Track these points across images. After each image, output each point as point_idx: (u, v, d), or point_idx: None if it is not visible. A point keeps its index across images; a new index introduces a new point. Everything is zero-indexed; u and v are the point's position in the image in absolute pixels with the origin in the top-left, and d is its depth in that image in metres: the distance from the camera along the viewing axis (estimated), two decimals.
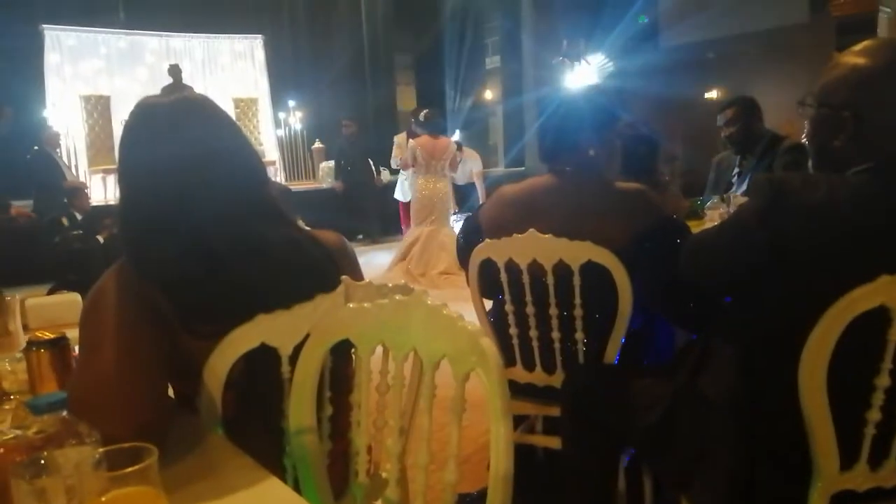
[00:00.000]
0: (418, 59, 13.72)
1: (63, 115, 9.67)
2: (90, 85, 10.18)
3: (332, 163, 9.82)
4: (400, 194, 7.17)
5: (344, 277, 1.10)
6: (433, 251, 6.16)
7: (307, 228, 1.16)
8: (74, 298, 5.87)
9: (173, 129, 1.01)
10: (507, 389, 0.80)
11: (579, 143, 1.77)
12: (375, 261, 6.75)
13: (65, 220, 6.50)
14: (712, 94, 12.64)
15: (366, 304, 0.97)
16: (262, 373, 1.05)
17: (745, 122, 3.33)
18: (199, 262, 0.99)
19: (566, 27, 11.23)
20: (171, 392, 1.10)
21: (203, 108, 1.06)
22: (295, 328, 1.03)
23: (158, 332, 0.95)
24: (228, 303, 1.00)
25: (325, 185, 9.87)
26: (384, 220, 8.54)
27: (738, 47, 12.02)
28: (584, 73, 10.16)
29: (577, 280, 1.65)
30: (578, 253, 1.62)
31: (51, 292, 5.95)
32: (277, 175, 10.75)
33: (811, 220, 1.11)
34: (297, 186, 9.86)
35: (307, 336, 1.03)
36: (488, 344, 0.80)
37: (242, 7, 10.90)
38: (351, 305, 0.99)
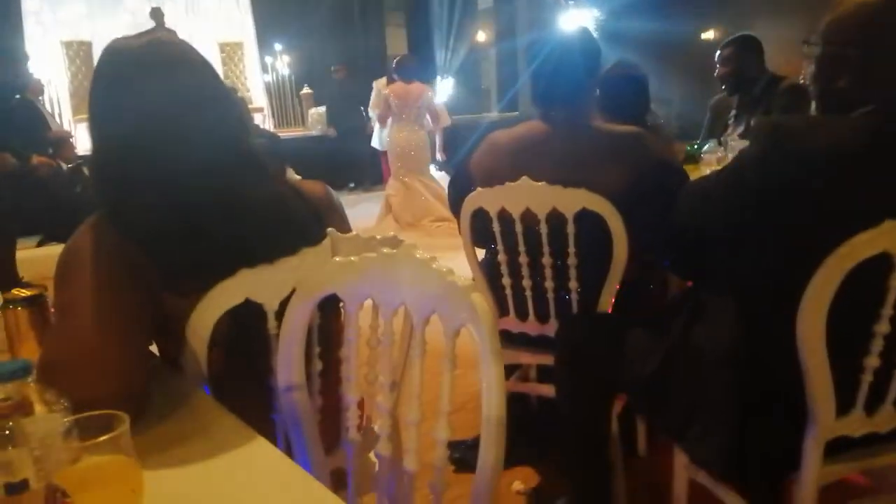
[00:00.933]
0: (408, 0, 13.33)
1: (44, 62, 9.40)
2: (71, 30, 9.87)
3: (321, 109, 9.63)
4: (377, 142, 7.00)
5: (330, 230, 1.06)
6: (417, 201, 6.06)
7: (293, 178, 1.11)
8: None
9: (145, 75, 0.95)
10: (498, 341, 0.77)
11: (572, 88, 1.71)
12: (368, 211, 6.68)
13: (86, 170, 6.41)
14: (709, 34, 12.39)
15: (352, 258, 0.93)
16: (248, 329, 1.02)
17: (740, 63, 3.23)
18: (178, 216, 0.95)
19: None
20: (154, 350, 1.07)
21: (177, 52, 1.00)
22: (280, 283, 1.00)
23: (138, 290, 0.92)
24: (210, 257, 0.96)
25: (314, 132, 9.71)
26: (376, 167, 8.42)
27: None
28: (579, 14, 9.90)
29: (570, 228, 1.61)
30: (573, 201, 1.58)
31: (40, 244, 5.92)
32: (265, 122, 10.56)
33: (814, 164, 1.07)
34: (286, 133, 9.70)
35: (293, 291, 0.99)
36: (479, 299, 0.77)
37: None
38: (337, 259, 0.96)
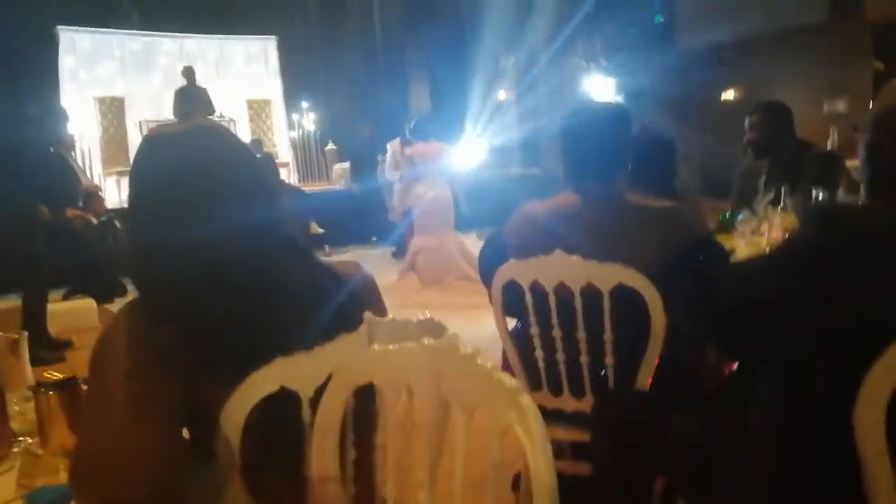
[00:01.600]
0: (431, 58, 13.64)
1: (78, 118, 9.70)
2: (104, 87, 10.21)
3: (345, 164, 9.78)
4: (397, 201, 6.96)
5: (366, 314, 1.03)
6: (442, 259, 6.03)
7: (326, 261, 1.09)
8: (89, 304, 5.83)
9: (185, 161, 0.95)
10: (549, 450, 0.73)
11: (604, 164, 1.70)
12: (391, 266, 6.68)
13: (117, 223, 6.52)
14: (728, 95, 12.49)
15: (391, 347, 0.90)
16: (282, 417, 0.99)
17: (768, 129, 3.23)
18: (216, 303, 0.93)
19: (582, 26, 11.12)
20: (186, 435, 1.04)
21: (216, 136, 1.00)
22: (316, 370, 0.97)
23: (172, 379, 0.90)
24: (247, 345, 0.94)
25: (338, 187, 9.83)
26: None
27: (754, 48, 11.87)
28: (599, 76, 10.05)
29: (606, 303, 1.57)
30: (608, 275, 1.55)
31: (67, 296, 5.97)
32: (290, 176, 10.74)
33: (873, 251, 1.03)
34: (311, 188, 9.83)
35: (328, 378, 0.97)
36: (528, 402, 0.74)
37: (255, 8, 10.89)
38: (375, 347, 0.93)
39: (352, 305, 1.05)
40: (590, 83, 9.83)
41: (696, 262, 1.51)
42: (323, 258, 1.08)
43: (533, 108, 13.44)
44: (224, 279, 0.94)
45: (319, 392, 0.97)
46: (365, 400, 1.01)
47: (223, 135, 1.01)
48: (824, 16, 10.99)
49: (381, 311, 1.14)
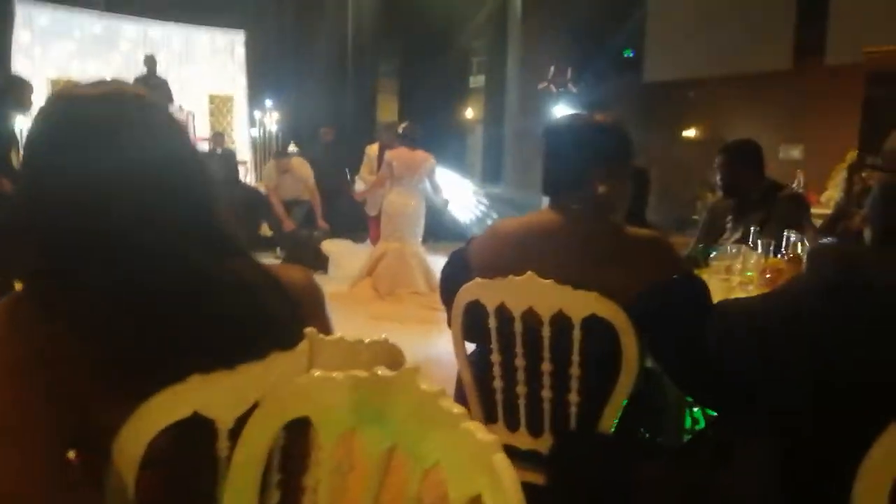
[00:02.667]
0: (401, 70, 13.53)
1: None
2: (59, 68, 9.76)
3: None
4: (370, 208, 6.87)
5: (309, 331, 0.87)
6: (401, 269, 5.91)
7: (269, 263, 0.92)
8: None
9: (101, 130, 0.77)
10: None
11: (588, 176, 1.55)
12: (341, 274, 6.48)
13: None
14: (690, 133, 12.71)
15: (336, 375, 0.74)
16: (192, 449, 0.81)
17: (733, 169, 3.19)
18: (120, 300, 0.75)
19: (553, 54, 11.18)
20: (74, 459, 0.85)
21: (142, 106, 0.82)
22: (239, 395, 0.80)
23: (58, 391, 0.71)
24: (155, 356, 0.76)
25: None
26: (354, 229, 8.26)
27: (719, 89, 12.12)
28: (565, 104, 10.09)
29: (577, 334, 1.44)
30: (582, 305, 1.41)
31: None
32: (248, 176, 10.44)
33: (892, 299, 0.91)
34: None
35: (254, 406, 0.79)
36: (504, 464, 0.59)
37: (227, 0, 10.59)
38: (316, 373, 0.76)
39: (291, 318, 0.88)
40: (557, 109, 9.83)
41: (677, 299, 1.37)
42: (265, 260, 0.91)
43: (498, 128, 13.45)
44: (134, 273, 0.76)
45: (241, 421, 0.80)
46: (296, 433, 0.84)
47: (149, 103, 0.84)
48: (789, 63, 11.30)
49: (325, 326, 0.98)
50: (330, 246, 7.53)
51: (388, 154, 5.95)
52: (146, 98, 0.86)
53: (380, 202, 6.21)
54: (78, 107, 0.81)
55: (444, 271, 1.74)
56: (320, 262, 6.81)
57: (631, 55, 13.56)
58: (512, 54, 12.79)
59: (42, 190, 0.77)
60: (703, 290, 1.38)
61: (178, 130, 0.86)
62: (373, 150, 6.85)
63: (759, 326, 1.06)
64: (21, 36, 9.41)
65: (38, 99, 9.02)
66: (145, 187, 0.78)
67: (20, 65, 9.35)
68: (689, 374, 1.33)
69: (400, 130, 6.06)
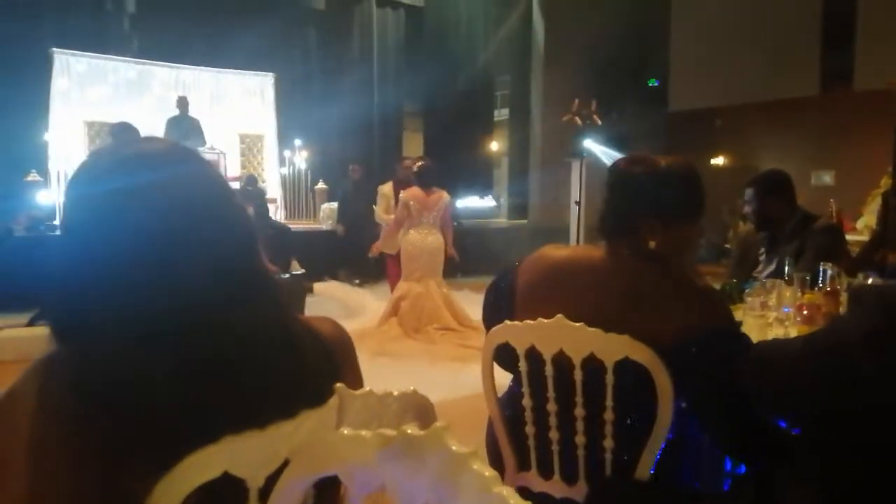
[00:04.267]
0: (426, 106, 13.72)
1: (65, 140, 9.53)
2: (96, 111, 10.07)
3: (333, 204, 9.68)
4: (390, 247, 6.85)
5: (339, 387, 0.86)
6: (425, 307, 5.88)
7: (301, 316, 0.91)
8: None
9: (137, 185, 0.78)
10: None
11: (640, 226, 1.50)
12: (370, 308, 6.49)
13: None
14: (718, 161, 12.62)
15: (364, 434, 0.73)
16: None
17: (762, 202, 3.14)
18: (155, 364, 0.75)
19: (577, 86, 11.24)
20: None
21: (177, 159, 0.83)
22: (269, 454, 0.79)
23: (87, 460, 0.71)
24: (188, 421, 0.75)
25: (324, 227, 9.72)
26: (382, 267, 8.28)
27: (746, 116, 12.05)
28: (593, 135, 10.09)
29: (609, 379, 1.41)
30: (614, 348, 1.39)
31: (31, 323, 5.70)
32: (277, 213, 10.58)
33: None
34: (297, 226, 9.69)
35: (284, 464, 0.79)
36: None
37: (255, 44, 10.85)
38: (345, 431, 0.75)
39: (323, 373, 0.87)
40: (582, 141, 9.84)
41: (716, 350, 1.32)
42: (297, 315, 0.90)
43: (523, 161, 13.49)
44: (166, 327, 0.76)
45: (272, 480, 0.79)
46: (326, 491, 0.83)
47: (189, 153, 0.85)
48: (815, 90, 11.21)
49: (356, 377, 0.97)
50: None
51: (403, 195, 5.93)
52: (181, 152, 0.87)
53: (398, 241, 6.18)
54: (112, 158, 0.82)
55: (487, 296, 1.70)
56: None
57: (656, 84, 13.59)
58: (535, 87, 12.91)
59: (82, 247, 0.78)
60: (743, 344, 1.33)
61: (221, 180, 0.86)
62: (387, 188, 6.84)
63: (798, 373, 1.02)
64: (59, 83, 9.75)
65: (76, 141, 9.34)
66: (181, 244, 0.78)
67: (58, 109, 9.69)
68: (724, 426, 1.29)
69: (415, 169, 6.06)
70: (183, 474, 0.76)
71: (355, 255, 8.57)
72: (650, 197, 1.49)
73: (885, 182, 7.27)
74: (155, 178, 0.78)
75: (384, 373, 4.66)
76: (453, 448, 0.65)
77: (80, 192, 0.80)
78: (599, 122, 9.86)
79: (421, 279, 5.90)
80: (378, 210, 6.88)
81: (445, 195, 5.97)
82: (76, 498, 0.71)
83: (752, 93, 11.48)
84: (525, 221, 12.70)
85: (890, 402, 0.90)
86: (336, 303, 7.50)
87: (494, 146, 14.97)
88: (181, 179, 0.81)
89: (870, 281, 2.10)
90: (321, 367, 0.86)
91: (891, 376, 0.89)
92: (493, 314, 1.64)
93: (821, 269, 2.27)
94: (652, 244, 1.47)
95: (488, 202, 13.40)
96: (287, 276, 6.52)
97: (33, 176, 7.87)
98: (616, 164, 1.56)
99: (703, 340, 1.33)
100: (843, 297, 2.04)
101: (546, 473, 1.54)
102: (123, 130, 5.30)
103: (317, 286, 7.00)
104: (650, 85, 13.66)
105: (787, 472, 1.11)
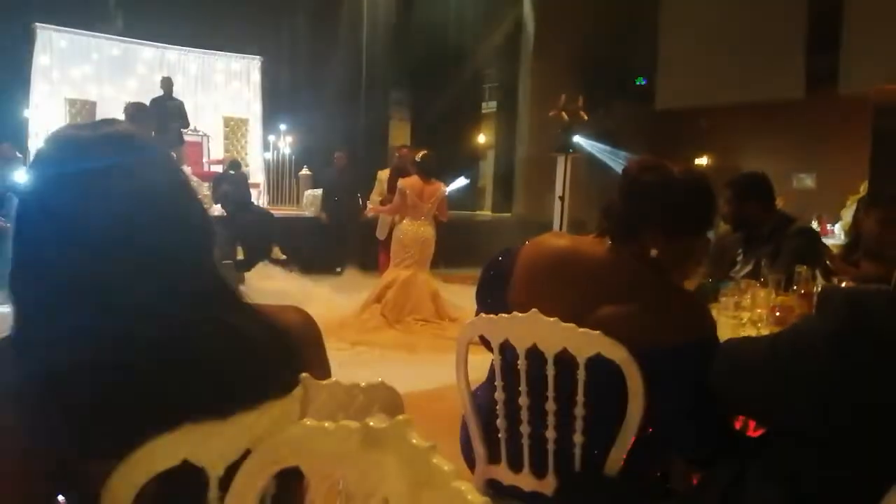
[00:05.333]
0: (414, 95, 13.67)
1: (45, 117, 9.38)
2: (77, 89, 9.93)
3: (317, 191, 9.62)
4: (380, 231, 6.86)
5: (304, 376, 0.85)
6: (410, 297, 5.88)
7: (264, 305, 0.90)
8: None
9: (96, 171, 0.77)
10: None
11: (642, 233, 1.48)
12: (350, 299, 6.46)
13: None
14: (702, 161, 12.72)
15: (327, 425, 0.72)
16: (182, 498, 0.80)
17: (739, 204, 3.16)
18: (107, 353, 0.74)
19: (565, 81, 11.25)
20: None
21: (138, 148, 0.82)
22: (230, 443, 0.78)
23: (40, 446, 0.70)
24: (144, 410, 0.74)
25: (307, 213, 9.67)
26: (365, 255, 8.26)
27: (731, 117, 12.14)
28: (580, 129, 10.11)
29: (581, 374, 1.41)
30: (587, 344, 1.39)
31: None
32: (261, 198, 10.50)
33: None
34: (280, 212, 9.64)
35: (245, 454, 0.78)
36: None
37: (242, 27, 10.76)
38: (307, 422, 0.75)
39: (287, 363, 0.86)
40: (567, 137, 9.85)
41: (691, 360, 1.32)
42: (256, 303, 0.89)
43: (510, 154, 13.50)
44: (121, 323, 0.75)
45: (232, 470, 0.78)
46: (288, 483, 0.83)
47: (147, 145, 0.83)
48: (800, 92, 11.30)
49: (323, 366, 0.96)
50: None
51: (401, 183, 5.94)
52: (146, 138, 0.86)
53: (388, 226, 6.19)
54: (77, 145, 0.80)
55: (484, 274, 1.69)
56: None
57: (643, 83, 13.63)
58: (524, 81, 12.90)
59: (35, 236, 0.76)
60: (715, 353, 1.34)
61: (176, 171, 0.85)
62: (384, 174, 6.87)
63: (763, 374, 1.03)
64: (41, 59, 9.59)
65: (57, 118, 9.19)
66: (141, 229, 0.77)
67: (39, 86, 9.53)
68: (689, 427, 1.30)
69: (417, 159, 6.05)
70: (142, 460, 0.75)
71: (339, 243, 8.55)
72: (656, 207, 1.46)
73: (864, 188, 7.37)
74: (107, 166, 0.77)
75: (361, 362, 4.66)
76: (415, 441, 0.65)
77: (38, 172, 0.79)
78: (586, 118, 9.87)
79: (410, 268, 5.89)
80: (373, 195, 6.90)
81: (443, 187, 5.98)
82: (32, 477, 0.70)
83: (737, 94, 11.54)
84: (509, 215, 12.72)
85: (854, 401, 0.91)
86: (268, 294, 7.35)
87: (482, 138, 14.96)
88: (133, 168, 0.79)
89: (843, 285, 2.13)
90: (284, 357, 0.85)
91: (854, 376, 0.90)
92: (487, 293, 1.64)
93: (796, 271, 2.30)
94: (654, 252, 1.45)
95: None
96: (228, 262, 6.43)
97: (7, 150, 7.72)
98: (628, 168, 1.53)
99: (683, 349, 1.33)
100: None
101: (516, 467, 1.55)
102: (138, 111, 5.28)
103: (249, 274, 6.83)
104: (637, 83, 13.69)
105: (755, 471, 1.12)
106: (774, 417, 1.05)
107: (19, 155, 8.06)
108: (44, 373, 0.72)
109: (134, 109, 5.24)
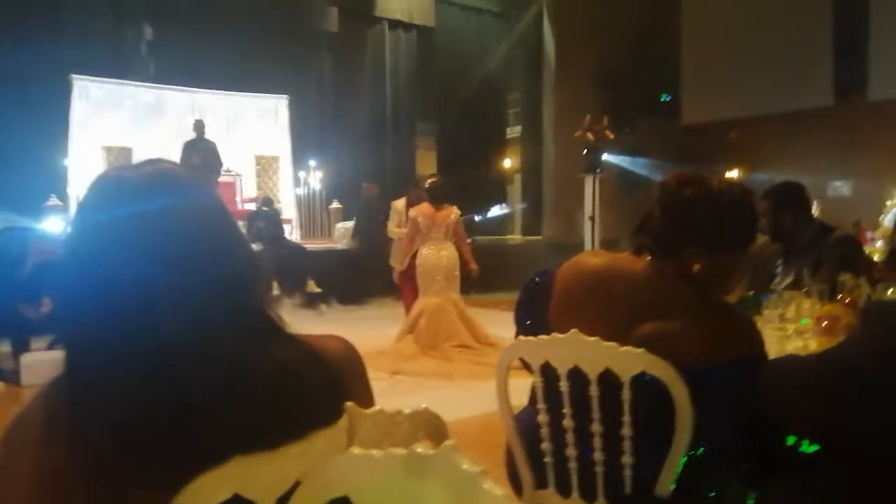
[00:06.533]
0: (439, 124, 13.80)
1: (84, 164, 9.67)
2: (113, 136, 10.23)
3: (348, 224, 9.74)
4: (397, 261, 6.82)
5: (349, 405, 0.85)
6: (442, 323, 5.84)
7: (307, 337, 0.91)
8: None
9: (140, 211, 0.78)
10: None
11: (683, 250, 1.45)
12: (385, 329, 6.46)
13: None
14: (733, 174, 12.56)
15: (374, 453, 0.72)
16: None
17: (776, 215, 3.10)
18: (157, 391, 0.74)
19: (589, 102, 11.25)
20: None
21: (182, 186, 0.84)
22: (279, 475, 0.78)
23: (94, 485, 0.71)
24: (196, 444, 0.75)
25: (339, 246, 9.76)
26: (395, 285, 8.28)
27: (760, 128, 12.00)
28: (607, 148, 10.08)
29: (626, 394, 1.39)
30: (630, 363, 1.37)
31: (50, 347, 5.75)
32: (293, 233, 10.64)
33: None
34: (312, 245, 9.75)
35: (295, 485, 0.78)
36: None
37: (269, 68, 11.02)
38: (355, 451, 0.75)
39: (332, 394, 0.86)
40: (594, 157, 9.82)
41: (743, 379, 1.29)
42: (297, 333, 0.89)
43: (537, 178, 13.51)
44: (171, 361, 0.75)
45: (283, 502, 0.78)
46: None
47: (190, 183, 0.85)
48: (829, 100, 11.13)
49: (366, 395, 0.96)
50: None
51: (411, 211, 5.95)
52: (189, 176, 0.87)
53: (405, 257, 6.16)
54: (123, 185, 0.82)
55: (522, 295, 1.67)
56: None
57: (668, 99, 13.58)
58: (547, 104, 12.95)
59: (85, 275, 0.78)
60: (763, 368, 1.30)
61: (221, 208, 0.87)
62: (399, 203, 6.88)
63: (810, 392, 1.00)
64: (78, 109, 9.92)
65: (95, 166, 9.47)
66: (188, 267, 0.78)
67: (77, 135, 9.85)
68: (737, 447, 1.26)
69: (426, 185, 6.08)
70: (193, 496, 0.75)
71: (367, 273, 8.58)
72: (698, 222, 1.43)
73: None
74: (159, 205, 0.79)
75: (400, 391, 4.65)
76: (464, 467, 0.64)
77: (85, 215, 0.81)
78: (612, 138, 9.85)
79: (438, 293, 5.88)
80: (390, 225, 6.94)
81: (455, 210, 5.97)
82: None
83: (765, 104, 11.43)
84: (539, 237, 12.68)
85: (890, 420, 0.87)
86: None
87: (507, 163, 15.00)
88: (178, 205, 0.81)
89: (889, 292, 2.06)
90: (328, 387, 0.85)
91: (893, 395, 0.87)
92: (526, 314, 1.63)
93: (840, 279, 2.24)
94: (696, 268, 1.43)
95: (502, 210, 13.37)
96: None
97: (53, 201, 7.98)
98: (667, 182, 1.49)
99: (731, 366, 1.30)
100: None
101: (564, 491, 1.52)
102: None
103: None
104: (662, 100, 13.65)
105: (811, 491, 1.08)
106: (826, 436, 1.01)
107: (60, 203, 8.32)
108: (96, 410, 0.73)
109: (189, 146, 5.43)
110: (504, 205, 12.16)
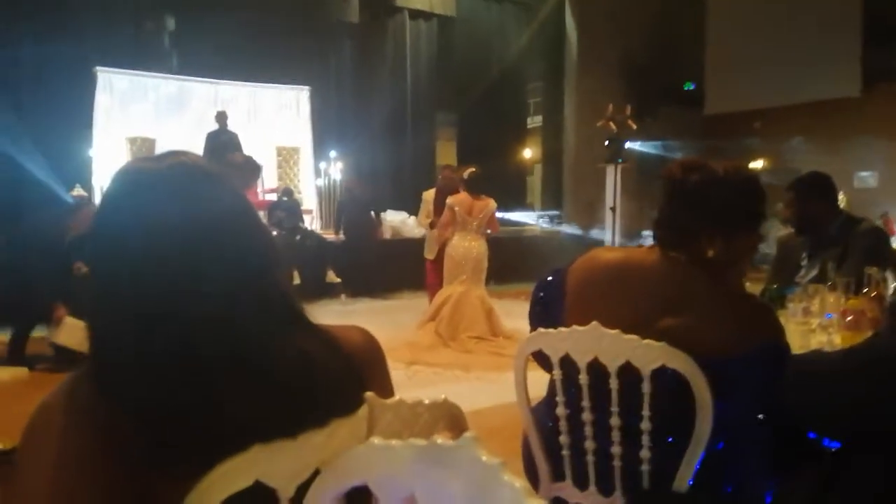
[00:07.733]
0: (459, 115, 13.76)
1: (108, 155, 9.80)
2: (137, 127, 10.34)
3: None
4: (428, 251, 6.86)
5: (369, 395, 0.86)
6: (464, 314, 5.88)
7: (328, 327, 0.91)
8: None
9: (163, 201, 0.79)
10: None
11: (696, 237, 1.44)
12: (403, 319, 6.48)
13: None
14: (757, 164, 12.38)
15: (394, 444, 0.72)
16: None
17: (802, 206, 3.05)
18: (178, 379, 0.76)
19: (611, 91, 11.15)
20: None
21: (203, 176, 0.85)
22: (300, 463, 0.79)
23: (116, 473, 0.72)
24: (218, 431, 0.76)
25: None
26: (418, 275, 8.31)
27: (785, 118, 11.81)
28: (629, 138, 9.99)
29: (646, 387, 1.38)
30: (650, 355, 1.36)
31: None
32: (314, 223, 10.69)
33: None
34: (333, 236, 9.77)
35: (315, 474, 0.79)
36: None
37: (290, 59, 11.06)
38: (375, 440, 0.75)
39: (352, 383, 0.87)
40: (617, 146, 9.74)
41: (766, 367, 1.28)
42: (320, 324, 0.90)
43: (557, 168, 13.42)
44: (194, 348, 0.77)
45: (303, 490, 0.79)
46: (357, 501, 0.83)
47: (212, 174, 0.86)
48: (856, 90, 10.93)
49: (386, 385, 0.97)
50: None
51: (449, 199, 5.98)
52: (210, 167, 0.88)
53: (436, 246, 6.21)
54: (145, 177, 0.84)
55: (535, 293, 1.67)
56: None
57: (692, 88, 13.40)
58: (569, 93, 12.84)
59: (111, 267, 0.79)
60: (788, 359, 1.28)
61: (241, 198, 0.87)
62: (429, 195, 6.91)
63: (839, 389, 0.99)
64: (102, 100, 10.04)
65: (119, 157, 9.59)
66: (210, 256, 0.79)
67: (102, 127, 9.98)
68: (761, 439, 1.25)
69: (465, 176, 6.09)
70: (216, 482, 0.76)
71: (392, 264, 8.61)
72: (711, 208, 1.43)
73: None
74: (173, 195, 0.80)
75: (418, 382, 4.67)
76: (484, 458, 0.64)
77: (108, 206, 0.82)
78: (634, 127, 9.75)
79: (464, 283, 5.91)
80: (420, 216, 6.98)
81: (492, 202, 5.99)
82: None
83: (791, 94, 11.25)
84: (560, 229, 12.63)
85: None
86: None
87: (528, 153, 14.93)
88: (200, 196, 0.82)
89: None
90: (348, 376, 0.86)
91: None
92: (541, 311, 1.63)
93: (866, 272, 2.20)
94: (710, 253, 1.42)
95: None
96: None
97: (78, 191, 8.10)
98: (670, 171, 1.49)
99: (752, 354, 1.29)
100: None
101: (581, 484, 1.52)
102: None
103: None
104: (686, 89, 13.47)
105: (837, 488, 1.07)
106: (855, 431, 1.00)
107: (85, 193, 8.43)
108: (120, 398, 0.74)
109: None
110: (530, 210, 12.08)
